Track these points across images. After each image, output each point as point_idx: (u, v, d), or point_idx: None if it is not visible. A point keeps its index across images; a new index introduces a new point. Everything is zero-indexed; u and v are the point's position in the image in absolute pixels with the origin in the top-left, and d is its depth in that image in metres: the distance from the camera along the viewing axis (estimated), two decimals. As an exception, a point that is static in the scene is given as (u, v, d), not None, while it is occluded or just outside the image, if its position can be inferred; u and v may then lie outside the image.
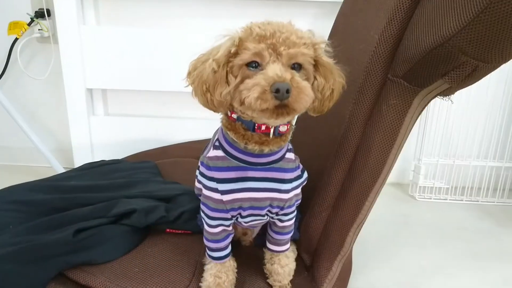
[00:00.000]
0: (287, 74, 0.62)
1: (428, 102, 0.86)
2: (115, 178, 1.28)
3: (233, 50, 0.65)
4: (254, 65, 0.65)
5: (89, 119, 1.81)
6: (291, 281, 0.93)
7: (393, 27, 0.84)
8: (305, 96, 0.64)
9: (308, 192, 0.96)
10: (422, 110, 0.88)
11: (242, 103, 0.65)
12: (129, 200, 1.08)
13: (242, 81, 0.65)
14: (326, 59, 0.71)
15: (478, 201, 1.83)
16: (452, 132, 1.79)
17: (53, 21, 1.71)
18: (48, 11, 1.71)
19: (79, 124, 1.81)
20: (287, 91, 0.61)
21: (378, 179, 0.91)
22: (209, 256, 0.86)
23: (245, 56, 0.65)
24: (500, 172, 1.81)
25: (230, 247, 0.87)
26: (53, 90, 1.87)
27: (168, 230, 1.04)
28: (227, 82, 0.67)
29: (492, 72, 0.74)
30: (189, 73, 0.70)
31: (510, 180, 1.83)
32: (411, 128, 0.89)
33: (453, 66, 0.72)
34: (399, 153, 0.91)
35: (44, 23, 1.72)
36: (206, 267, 0.87)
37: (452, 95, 0.83)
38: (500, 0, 0.58)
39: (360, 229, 0.99)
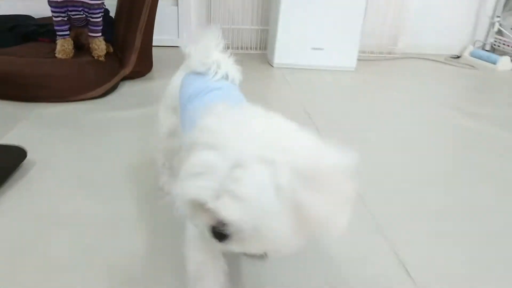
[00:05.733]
0: None
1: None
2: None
3: None
4: None
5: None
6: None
7: None
8: None
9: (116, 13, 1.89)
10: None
11: None
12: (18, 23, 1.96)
13: None
14: None
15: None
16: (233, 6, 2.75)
17: None
18: None
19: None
20: None
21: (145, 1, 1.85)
22: (58, 35, 1.74)
23: None
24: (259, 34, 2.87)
25: (67, 31, 1.75)
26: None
27: (40, 39, 1.92)
28: None
29: None
30: None
31: (265, 38, 2.84)
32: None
33: None
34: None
35: None
36: (57, 42, 1.76)
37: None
38: None
39: (142, 33, 1.93)
